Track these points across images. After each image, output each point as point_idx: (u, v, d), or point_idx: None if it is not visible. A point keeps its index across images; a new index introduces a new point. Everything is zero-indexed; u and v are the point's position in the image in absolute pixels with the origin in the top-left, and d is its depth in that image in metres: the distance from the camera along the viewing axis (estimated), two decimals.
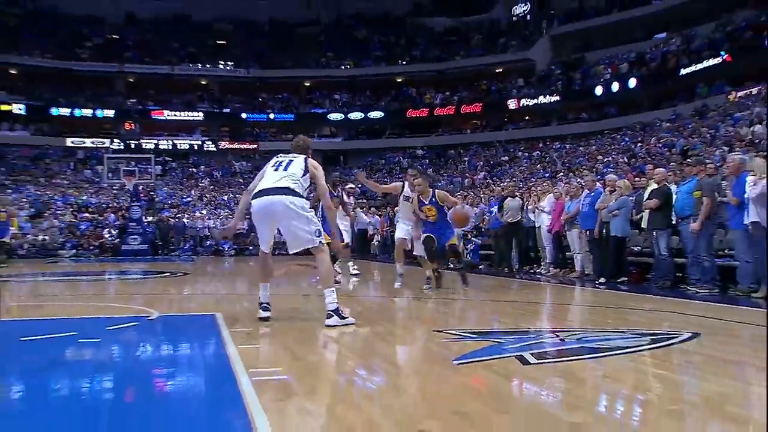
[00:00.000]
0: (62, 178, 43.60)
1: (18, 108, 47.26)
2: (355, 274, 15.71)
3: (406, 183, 12.21)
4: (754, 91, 34.24)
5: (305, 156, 7.87)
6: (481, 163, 44.62)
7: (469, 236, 19.86)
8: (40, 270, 20.43)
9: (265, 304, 7.65)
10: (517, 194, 17.30)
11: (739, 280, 11.04)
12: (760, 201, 10.36)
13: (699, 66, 39.19)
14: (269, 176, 7.60)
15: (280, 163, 7.74)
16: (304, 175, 7.58)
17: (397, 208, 14.27)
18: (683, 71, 40.09)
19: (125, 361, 6.00)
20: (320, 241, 7.45)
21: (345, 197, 14.67)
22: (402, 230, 12.44)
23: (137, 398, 4.77)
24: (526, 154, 43.30)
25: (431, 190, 11.56)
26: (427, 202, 11.44)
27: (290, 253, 7.69)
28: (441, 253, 11.72)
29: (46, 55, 48.22)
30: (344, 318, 7.19)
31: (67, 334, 6.95)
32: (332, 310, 7.17)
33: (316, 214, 11.49)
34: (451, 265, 12.66)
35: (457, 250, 11.99)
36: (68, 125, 48.17)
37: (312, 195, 8.42)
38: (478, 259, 19.42)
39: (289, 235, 7.46)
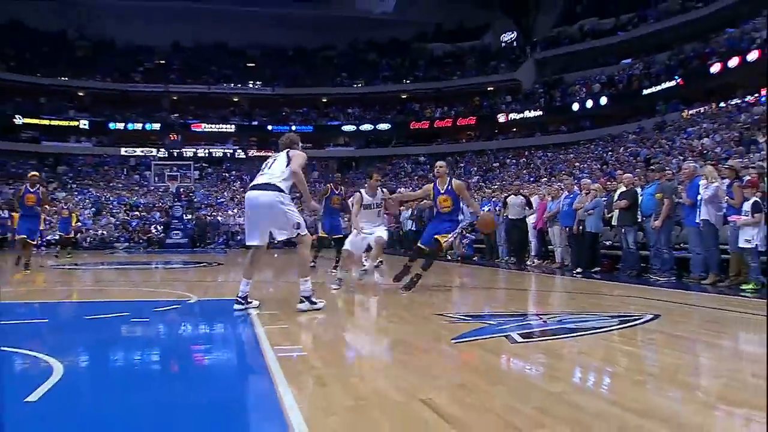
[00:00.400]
0: (117, 182, 43.92)
1: (83, 123, 47.75)
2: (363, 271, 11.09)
3: (363, 191, 10.67)
4: (702, 109, 34.68)
5: (287, 150, 7.50)
6: (475, 168, 44.58)
7: (464, 232, 19.83)
8: (100, 260, 20.52)
9: (240, 299, 7.21)
10: (521, 193, 16.89)
11: (692, 270, 11.12)
12: (710, 202, 10.40)
13: (658, 87, 39.35)
14: (258, 176, 7.40)
15: (267, 164, 7.48)
16: (286, 166, 7.26)
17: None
18: (645, 91, 40.14)
19: (169, 337, 6.04)
20: (299, 233, 7.15)
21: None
22: (354, 242, 10.08)
23: (179, 369, 4.82)
24: (514, 161, 43.21)
25: (448, 177, 9.80)
26: (443, 191, 9.59)
27: (276, 240, 7.36)
28: (428, 243, 9.58)
29: (107, 79, 48.60)
30: (314, 303, 7.10)
31: (122, 314, 7.00)
32: (305, 297, 7.09)
33: (324, 211, 11.14)
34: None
35: (441, 246, 9.63)
36: (123, 137, 48.44)
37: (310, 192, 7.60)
38: (472, 252, 19.40)
39: (271, 225, 7.14)
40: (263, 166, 7.50)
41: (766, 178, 10.46)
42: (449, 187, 9.58)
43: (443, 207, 9.63)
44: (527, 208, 15.94)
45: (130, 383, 4.19)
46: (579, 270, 13.25)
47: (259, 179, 7.26)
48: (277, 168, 7.27)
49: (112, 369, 4.70)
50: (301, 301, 7.06)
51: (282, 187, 7.12)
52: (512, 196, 16.52)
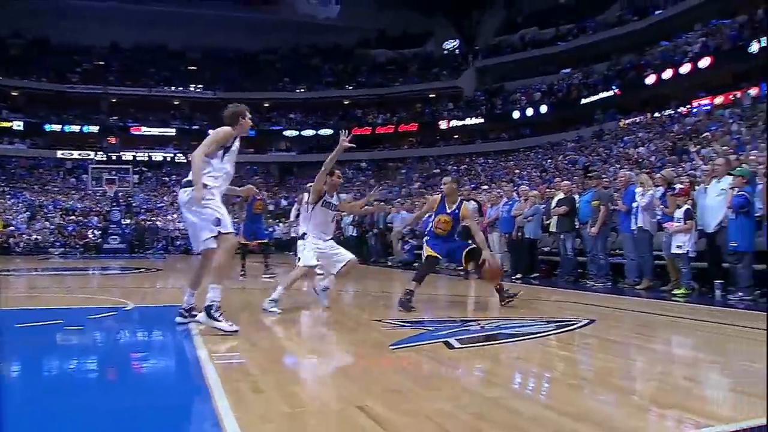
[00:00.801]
0: (53, 186, 42.84)
1: (17, 124, 46.59)
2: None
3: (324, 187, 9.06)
4: (638, 119, 35.64)
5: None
6: (417, 175, 44.78)
7: (406, 238, 19.89)
8: (33, 266, 19.98)
9: (184, 311, 6.46)
10: (473, 197, 16.30)
11: (627, 275, 11.38)
12: (645, 210, 10.65)
13: (596, 97, 40.31)
14: None
15: None
16: (211, 157, 6.30)
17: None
18: (584, 101, 41.04)
19: (104, 345, 5.92)
20: (219, 231, 6.03)
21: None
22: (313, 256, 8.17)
23: (114, 377, 4.72)
24: (455, 167, 43.54)
25: (459, 198, 8.91)
26: (449, 212, 8.59)
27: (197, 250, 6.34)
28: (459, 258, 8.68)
29: (42, 79, 47.39)
30: (216, 320, 5.80)
31: (55, 321, 6.82)
32: (207, 307, 5.86)
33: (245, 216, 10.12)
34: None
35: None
36: (59, 139, 47.29)
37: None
38: (413, 257, 19.45)
39: (189, 228, 6.31)
40: None
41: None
42: (456, 210, 8.59)
43: (438, 228, 8.60)
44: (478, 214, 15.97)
45: (63, 392, 4.09)
46: (518, 276, 13.40)
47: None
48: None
49: (44, 378, 4.58)
50: (201, 311, 6.01)
51: (189, 177, 6.22)
52: (465, 202, 16.50)
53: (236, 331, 5.77)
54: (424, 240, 8.96)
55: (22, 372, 4.75)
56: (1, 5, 45.29)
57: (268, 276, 13.55)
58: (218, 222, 6.05)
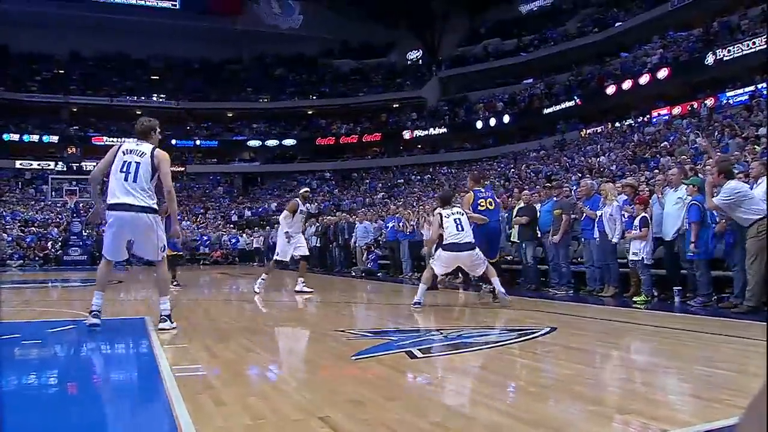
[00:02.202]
0: (11, 196, 42.11)
1: None
2: (306, 291, 12.12)
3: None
4: (599, 129, 36.21)
5: (152, 146, 6.87)
6: (381, 184, 44.90)
7: (371, 248, 19.91)
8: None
9: (96, 312, 6.85)
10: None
11: (588, 283, 11.51)
12: (609, 218, 10.78)
13: (558, 107, 40.94)
14: (119, 185, 6.67)
15: (128, 165, 6.69)
16: (152, 177, 6.72)
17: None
18: (546, 110, 41.66)
19: (63, 359, 5.82)
20: (163, 256, 6.98)
21: (300, 204, 12.49)
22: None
23: (73, 393, 4.65)
24: (419, 177, 43.79)
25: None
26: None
27: (147, 258, 7.31)
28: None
29: (0, 88, 46.44)
30: (173, 323, 6.89)
31: (12, 336, 6.71)
32: (166, 315, 6.89)
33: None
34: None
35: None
36: (17, 149, 46.46)
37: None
38: (377, 267, 19.46)
39: (140, 248, 6.95)
40: (120, 166, 6.72)
41: None
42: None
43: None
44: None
45: (19, 407, 4.02)
46: (481, 285, 13.48)
47: (127, 194, 6.65)
48: (143, 178, 6.69)
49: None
50: (163, 320, 6.84)
51: (154, 206, 6.81)
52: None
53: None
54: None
55: None
56: None
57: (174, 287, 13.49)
58: (164, 248, 6.99)
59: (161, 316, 6.87)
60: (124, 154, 6.74)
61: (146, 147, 6.80)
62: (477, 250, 9.47)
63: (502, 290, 9.48)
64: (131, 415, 3.88)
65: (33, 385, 4.76)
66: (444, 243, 9.49)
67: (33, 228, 34.94)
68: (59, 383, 4.85)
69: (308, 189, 13.68)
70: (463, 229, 9.38)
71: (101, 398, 4.37)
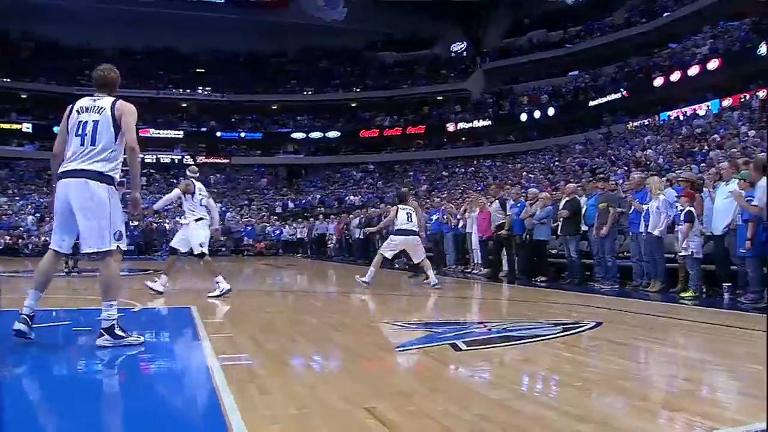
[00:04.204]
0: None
1: (26, 127, 46.87)
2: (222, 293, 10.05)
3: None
4: (646, 121, 35.52)
5: (113, 99, 5.63)
6: (424, 177, 44.80)
7: None
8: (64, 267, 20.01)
9: (25, 317, 5.28)
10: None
11: (635, 278, 11.36)
12: (654, 212, 10.63)
13: (604, 99, 40.28)
14: (75, 151, 5.36)
15: (84, 126, 5.38)
16: (116, 137, 5.44)
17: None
18: (592, 103, 41.06)
19: (111, 347, 5.93)
20: (118, 246, 5.42)
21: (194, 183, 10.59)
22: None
23: (122, 378, 4.74)
24: (463, 170, 43.59)
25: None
26: None
27: (82, 252, 5.55)
28: None
29: (51, 82, 47.42)
30: (119, 337, 5.33)
31: (63, 323, 6.86)
32: (105, 329, 5.31)
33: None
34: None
35: None
36: None
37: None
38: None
39: (84, 230, 5.30)
40: (75, 128, 5.44)
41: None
42: None
43: None
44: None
45: (69, 393, 4.11)
46: (525, 278, 13.40)
47: (81, 159, 5.34)
48: (105, 139, 5.40)
49: (52, 378, 4.60)
50: (100, 335, 5.34)
51: (111, 174, 5.43)
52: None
53: (142, 343, 5.51)
54: None
55: (29, 373, 4.78)
56: (11, 8, 45.55)
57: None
58: (120, 236, 5.48)
59: (101, 329, 5.35)
60: (79, 114, 5.49)
61: (106, 101, 5.55)
62: (418, 238, 12.04)
63: (435, 280, 11.68)
64: (179, 402, 3.94)
65: (80, 371, 4.87)
66: (396, 229, 11.99)
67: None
68: (107, 370, 4.94)
69: (195, 166, 13.39)
70: (411, 221, 11.86)
71: (149, 385, 4.44)
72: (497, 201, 14.61)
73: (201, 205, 10.26)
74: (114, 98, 5.62)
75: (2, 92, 46.69)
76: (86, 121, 5.38)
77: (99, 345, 5.29)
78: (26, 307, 5.30)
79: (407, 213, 11.93)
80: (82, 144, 5.32)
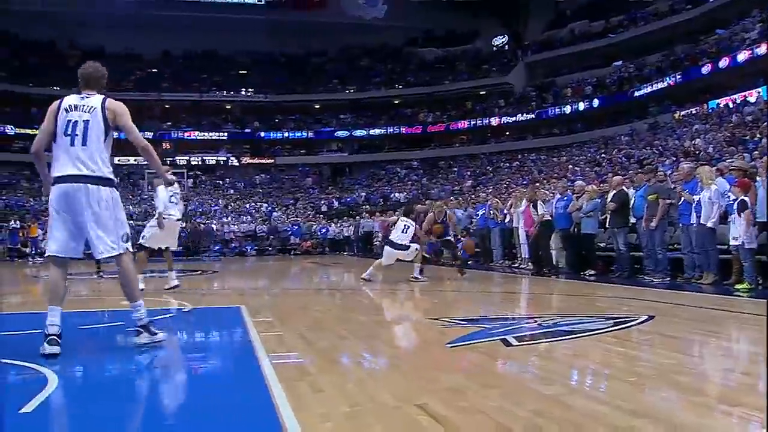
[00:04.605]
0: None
1: None
2: (174, 287, 11.36)
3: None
4: (693, 110, 34.81)
5: (102, 97, 5.48)
6: (468, 172, 44.59)
7: (459, 236, 19.78)
8: (93, 269, 20.43)
9: (53, 336, 4.94)
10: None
11: (686, 270, 11.16)
12: (706, 203, 10.44)
13: (649, 89, 39.56)
14: (65, 150, 5.14)
15: (74, 126, 5.18)
16: (106, 137, 5.31)
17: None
18: (637, 93, 40.35)
19: (165, 346, 6.03)
20: (127, 248, 5.33)
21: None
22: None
23: (174, 376, 4.82)
24: (507, 164, 43.28)
25: (444, 212, 13.54)
26: (440, 220, 13.21)
27: (96, 258, 5.71)
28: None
29: None
30: (155, 334, 5.35)
31: (116, 324, 6.99)
32: (143, 326, 5.35)
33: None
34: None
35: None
36: (115, 146, 48.17)
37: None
38: (468, 256, 19.31)
39: (95, 237, 5.14)
40: (63, 127, 5.21)
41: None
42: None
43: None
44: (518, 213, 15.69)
45: (123, 392, 4.19)
46: (573, 272, 13.28)
47: (74, 162, 5.13)
48: (96, 140, 5.24)
49: (106, 378, 4.69)
50: (138, 333, 5.38)
51: (111, 176, 5.34)
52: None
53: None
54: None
55: (85, 372, 4.88)
56: (57, 18, 46.59)
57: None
58: (127, 238, 5.38)
59: (136, 326, 5.40)
60: (66, 112, 5.26)
61: (95, 99, 5.39)
62: (407, 251, 12.49)
63: (418, 275, 12.42)
64: (231, 401, 3.99)
65: (133, 370, 4.94)
66: (389, 240, 12.89)
67: (131, 221, 36.10)
68: (159, 369, 5.04)
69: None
70: (405, 233, 12.46)
71: (201, 384, 4.51)
72: (530, 204, 14.29)
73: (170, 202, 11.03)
74: (103, 96, 5.48)
75: (52, 101, 47.42)
76: (76, 121, 5.19)
77: (138, 343, 5.31)
78: (52, 326, 4.98)
79: (405, 225, 12.63)
80: (72, 144, 5.13)
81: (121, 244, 5.25)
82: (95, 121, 5.22)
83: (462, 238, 18.83)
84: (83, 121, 5.18)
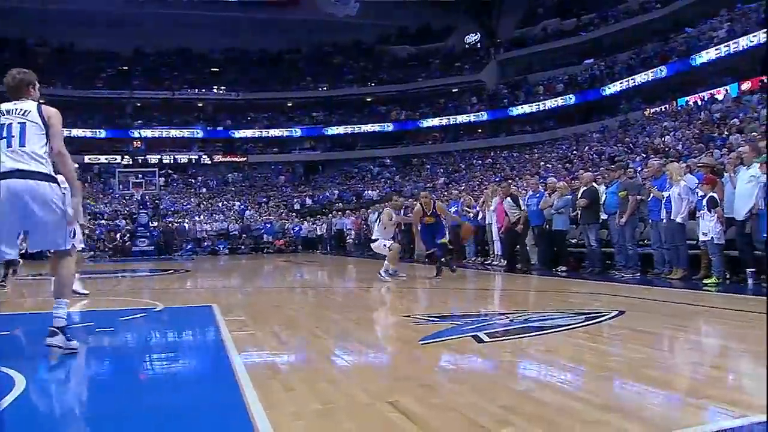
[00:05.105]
0: (81, 190, 43.36)
1: None
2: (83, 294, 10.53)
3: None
4: (663, 108, 35.37)
5: (36, 103, 5.30)
6: (441, 170, 44.71)
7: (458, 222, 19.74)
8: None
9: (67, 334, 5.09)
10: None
11: (656, 266, 11.29)
12: (676, 199, 10.56)
13: (620, 86, 39.98)
14: (2, 153, 5.02)
15: (9, 128, 5.05)
16: (46, 140, 5.11)
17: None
18: (608, 91, 40.75)
19: (135, 346, 5.98)
20: (73, 245, 5.39)
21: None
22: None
23: (144, 377, 4.78)
24: (480, 162, 43.45)
25: (432, 203, 12.71)
26: (429, 213, 12.41)
27: (31, 251, 5.61)
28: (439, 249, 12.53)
29: (68, 86, 47.86)
30: (70, 341, 5.06)
31: (87, 324, 6.92)
32: (59, 327, 5.03)
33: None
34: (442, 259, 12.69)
35: (447, 246, 13.24)
36: (86, 144, 47.90)
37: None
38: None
39: (40, 233, 5.06)
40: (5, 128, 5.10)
41: None
42: (434, 210, 12.54)
43: (429, 221, 12.48)
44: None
45: (94, 392, 4.15)
46: (545, 268, 13.36)
47: (14, 161, 4.99)
48: (33, 141, 5.07)
49: (76, 379, 4.65)
50: (53, 333, 5.01)
51: (54, 175, 5.16)
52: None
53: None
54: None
55: (54, 374, 4.81)
56: (27, 16, 45.96)
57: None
58: (74, 234, 5.40)
59: (56, 327, 5.05)
60: (1, 115, 5.15)
61: (29, 104, 5.25)
62: (376, 244, 13.00)
63: (382, 272, 12.06)
64: (202, 401, 3.95)
65: (104, 371, 4.93)
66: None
67: (102, 220, 35.85)
68: (130, 369, 4.96)
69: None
70: (376, 225, 13.20)
71: (172, 384, 4.46)
72: (509, 198, 14.32)
73: None
74: (37, 102, 5.34)
75: None
76: (10, 123, 5.06)
77: (50, 344, 4.99)
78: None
79: (378, 216, 13.41)
80: (9, 146, 5.00)
81: (68, 240, 5.21)
82: (31, 123, 5.10)
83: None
84: (18, 123, 5.08)
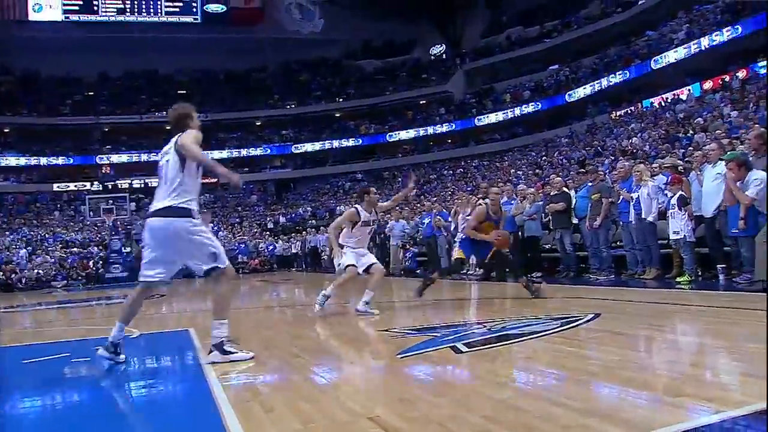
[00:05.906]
0: (51, 219, 43.12)
1: (13, 161, 47.26)
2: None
3: (360, 207, 9.42)
4: (629, 110, 35.81)
5: (178, 135, 5.77)
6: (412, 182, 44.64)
7: (407, 246, 19.82)
8: (37, 300, 19.94)
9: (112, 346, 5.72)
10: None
11: (629, 266, 11.40)
12: (644, 200, 10.68)
13: (586, 91, 40.60)
14: (157, 188, 5.74)
15: (162, 166, 5.73)
16: (181, 168, 5.60)
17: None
18: (574, 96, 41.19)
19: (112, 375, 5.89)
20: (217, 266, 5.54)
21: None
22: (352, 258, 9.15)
23: (122, 404, 4.73)
24: (451, 172, 43.61)
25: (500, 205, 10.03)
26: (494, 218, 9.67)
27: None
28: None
29: (34, 113, 47.55)
30: (228, 353, 5.49)
31: (62, 355, 6.82)
32: (216, 345, 5.51)
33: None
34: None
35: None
36: (54, 172, 47.53)
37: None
38: (416, 265, 19.36)
39: (181, 257, 5.64)
40: (160, 168, 5.73)
41: None
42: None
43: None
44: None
45: (72, 423, 4.09)
46: (533, 274, 13.41)
47: (159, 197, 5.63)
48: (171, 174, 5.60)
49: (52, 411, 4.57)
50: (211, 351, 5.55)
51: (184, 204, 5.58)
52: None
53: (252, 357, 5.58)
54: (458, 242, 10.27)
55: (29, 406, 4.74)
56: None
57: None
58: (215, 257, 5.53)
59: (211, 346, 5.58)
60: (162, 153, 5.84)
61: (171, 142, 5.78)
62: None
63: (360, 307, 9.09)
64: (183, 427, 3.92)
65: (81, 400, 4.86)
66: None
67: (74, 248, 35.46)
68: (110, 397, 4.94)
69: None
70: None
71: (151, 410, 4.41)
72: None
73: None
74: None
75: None
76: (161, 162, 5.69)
77: (211, 361, 5.44)
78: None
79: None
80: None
81: (210, 264, 5.56)
82: (172, 155, 5.64)
83: (410, 248, 18.86)
84: (165, 158, 5.69)
